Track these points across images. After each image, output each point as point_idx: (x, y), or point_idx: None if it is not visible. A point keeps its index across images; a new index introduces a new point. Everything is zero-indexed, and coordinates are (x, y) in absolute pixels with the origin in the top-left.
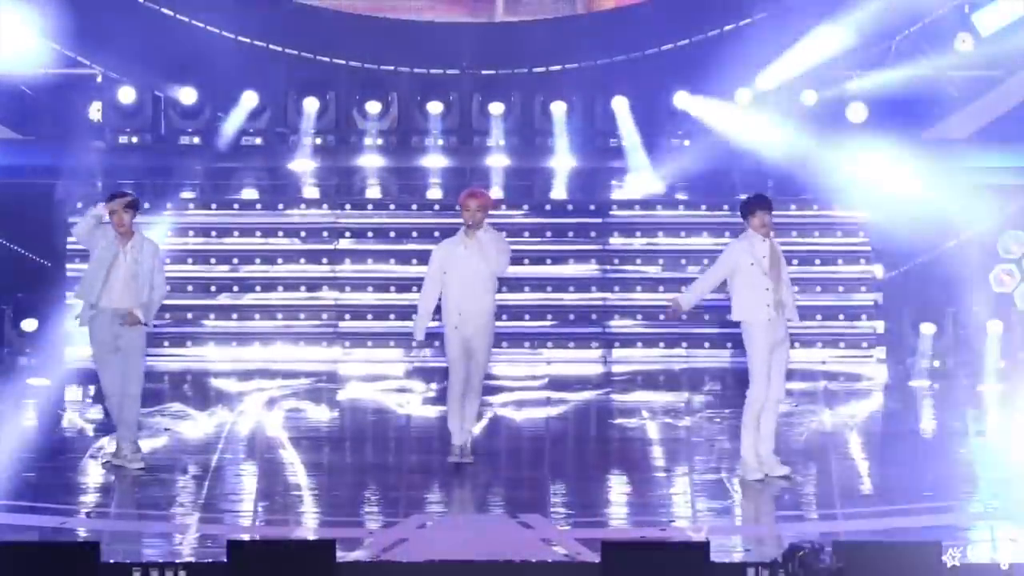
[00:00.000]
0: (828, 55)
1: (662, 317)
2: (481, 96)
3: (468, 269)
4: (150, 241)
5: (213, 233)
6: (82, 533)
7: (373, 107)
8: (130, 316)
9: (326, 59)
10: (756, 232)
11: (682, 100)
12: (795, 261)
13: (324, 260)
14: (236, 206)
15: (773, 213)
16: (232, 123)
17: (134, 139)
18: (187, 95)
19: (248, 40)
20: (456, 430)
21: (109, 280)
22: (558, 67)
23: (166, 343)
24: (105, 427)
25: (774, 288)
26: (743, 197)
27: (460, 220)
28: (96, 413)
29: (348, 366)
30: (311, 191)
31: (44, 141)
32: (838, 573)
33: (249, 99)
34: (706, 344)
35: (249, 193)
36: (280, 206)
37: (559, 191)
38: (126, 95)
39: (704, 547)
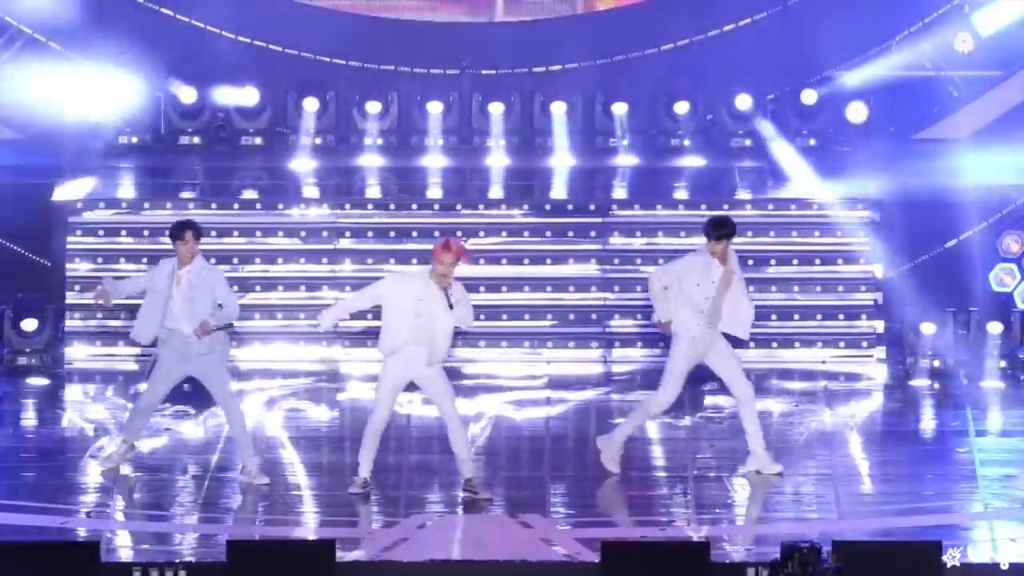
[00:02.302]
0: None
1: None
2: (481, 96)
3: (435, 319)
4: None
5: (213, 233)
6: (82, 533)
7: (373, 107)
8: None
9: (326, 59)
10: (714, 254)
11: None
12: (795, 261)
13: (324, 260)
14: (236, 206)
15: (773, 212)
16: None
17: (134, 139)
18: (187, 95)
19: (248, 40)
20: (366, 464)
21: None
22: (558, 67)
23: None
24: (105, 427)
25: (712, 308)
26: (720, 215)
27: (458, 220)
28: (95, 413)
29: (348, 366)
30: (311, 191)
31: (44, 141)
32: (837, 573)
33: (250, 97)
34: None
35: (249, 193)
36: (280, 206)
37: (559, 191)
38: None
39: (704, 547)
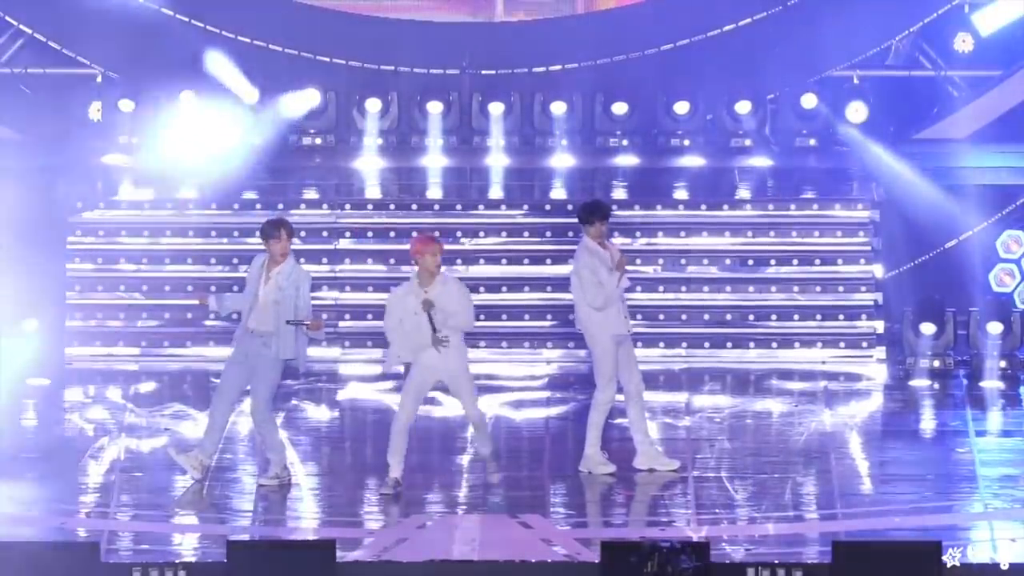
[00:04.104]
0: None
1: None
2: (481, 96)
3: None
4: (299, 269)
5: (213, 233)
6: (82, 533)
7: (373, 107)
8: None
9: (326, 59)
10: (594, 239)
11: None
12: (795, 261)
13: (324, 260)
14: (236, 206)
15: (773, 212)
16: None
17: (135, 139)
18: (187, 97)
19: (248, 40)
20: (397, 464)
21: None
22: (558, 67)
23: (166, 343)
24: (105, 427)
25: (619, 294)
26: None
27: (458, 220)
28: (95, 413)
29: (348, 366)
30: (311, 191)
31: (44, 141)
32: (696, 574)
33: (250, 95)
34: (706, 344)
35: (249, 193)
36: (280, 206)
37: (559, 191)
38: (126, 105)
39: (704, 547)
